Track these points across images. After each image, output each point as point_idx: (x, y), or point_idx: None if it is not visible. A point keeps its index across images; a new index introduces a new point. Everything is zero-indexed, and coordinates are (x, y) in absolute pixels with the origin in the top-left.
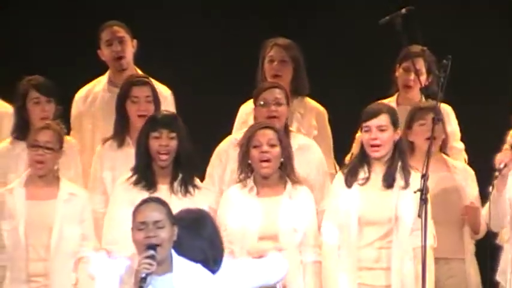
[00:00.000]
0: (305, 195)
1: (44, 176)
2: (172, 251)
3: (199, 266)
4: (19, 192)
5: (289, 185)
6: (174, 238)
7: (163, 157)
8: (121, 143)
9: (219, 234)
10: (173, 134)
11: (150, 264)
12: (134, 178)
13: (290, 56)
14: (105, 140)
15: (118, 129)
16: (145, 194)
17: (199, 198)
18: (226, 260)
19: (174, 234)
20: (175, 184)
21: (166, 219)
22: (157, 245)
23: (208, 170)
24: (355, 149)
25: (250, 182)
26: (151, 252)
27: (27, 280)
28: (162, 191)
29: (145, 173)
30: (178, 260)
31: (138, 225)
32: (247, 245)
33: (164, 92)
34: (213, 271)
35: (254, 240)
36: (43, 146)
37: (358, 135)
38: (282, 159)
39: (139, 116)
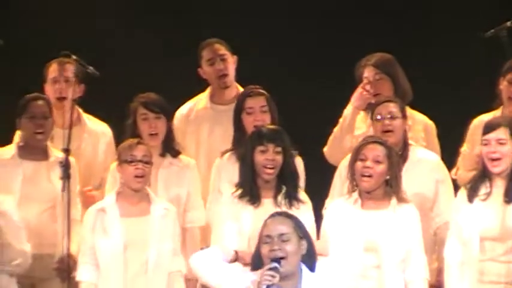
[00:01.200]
0: (410, 213)
1: (139, 192)
2: (304, 267)
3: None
4: (113, 210)
5: (394, 200)
6: (302, 252)
7: (269, 171)
8: (239, 156)
9: (313, 243)
10: (279, 149)
11: (273, 276)
12: (239, 192)
13: (384, 73)
14: (223, 153)
15: (236, 142)
16: (249, 208)
17: (303, 211)
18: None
19: (303, 248)
20: (279, 198)
21: (292, 232)
22: (282, 258)
23: None
24: (460, 163)
25: (355, 194)
26: (274, 264)
27: None
28: (266, 204)
29: (249, 187)
30: (308, 276)
31: (264, 239)
32: (352, 256)
33: None
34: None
35: (359, 252)
36: (141, 160)
37: (463, 149)
38: (387, 177)
39: (255, 126)
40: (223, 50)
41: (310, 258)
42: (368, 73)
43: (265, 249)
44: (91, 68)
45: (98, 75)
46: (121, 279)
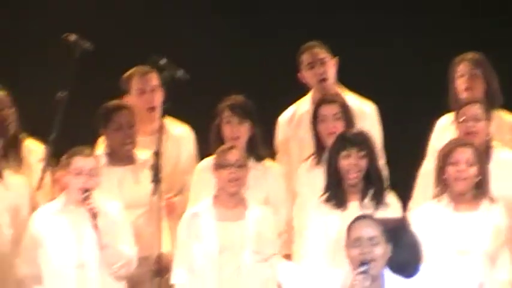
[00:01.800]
0: (501, 213)
1: (235, 196)
2: (386, 270)
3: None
4: (209, 214)
5: (485, 201)
6: (388, 255)
7: (353, 176)
8: (318, 161)
9: (419, 241)
10: (363, 153)
11: (364, 280)
12: (325, 196)
13: (479, 70)
14: (306, 159)
15: (315, 148)
16: (336, 212)
17: (390, 215)
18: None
19: (388, 252)
20: (366, 201)
21: (380, 236)
22: (371, 261)
23: None
24: None
25: (445, 197)
26: (365, 267)
27: None
28: (353, 208)
29: (335, 191)
30: (390, 278)
31: (353, 242)
32: (445, 259)
33: (366, 107)
34: (410, 276)
35: (453, 254)
36: (234, 165)
37: None
38: (478, 178)
39: (329, 133)
40: (323, 53)
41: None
42: (463, 68)
43: (354, 252)
44: (181, 71)
45: (188, 78)
46: (215, 284)
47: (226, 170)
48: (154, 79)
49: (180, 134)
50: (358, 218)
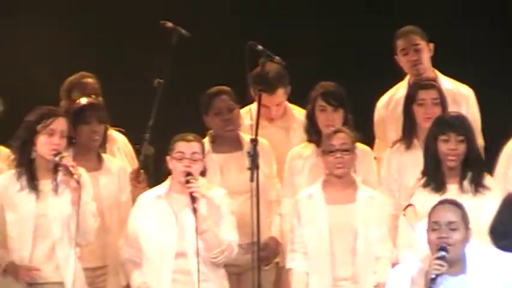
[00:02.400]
0: None
1: (342, 178)
2: (469, 253)
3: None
4: (319, 197)
5: None
6: (468, 241)
7: (452, 159)
8: (408, 146)
9: None
10: (461, 137)
11: (441, 265)
12: (424, 180)
13: None
14: (394, 143)
15: (406, 132)
16: (435, 196)
17: (488, 198)
18: None
19: (469, 237)
20: (465, 183)
21: (460, 221)
22: (449, 246)
23: None
24: None
25: None
26: (443, 253)
27: (334, 285)
28: (452, 191)
29: (434, 175)
30: (472, 262)
31: (432, 225)
32: None
33: (464, 91)
34: None
35: None
36: (340, 149)
37: None
38: None
39: (426, 118)
40: (417, 39)
41: None
42: None
43: (432, 236)
44: (277, 57)
45: (285, 65)
46: (328, 266)
47: (332, 155)
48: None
49: (299, 120)
50: (440, 202)
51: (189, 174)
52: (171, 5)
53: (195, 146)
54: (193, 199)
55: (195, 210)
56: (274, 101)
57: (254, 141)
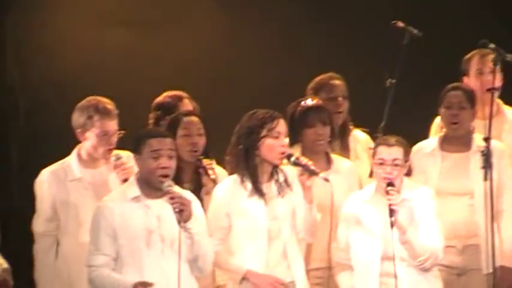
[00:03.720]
0: None
1: None
2: None
3: None
4: None
5: None
6: None
7: None
8: None
9: None
10: None
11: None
12: None
13: None
14: None
15: None
16: None
17: None
18: None
19: None
20: None
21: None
22: None
23: None
24: None
25: None
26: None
27: None
28: None
29: None
30: None
31: None
32: None
33: None
34: None
35: None
36: None
37: None
38: None
39: None
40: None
41: None
42: None
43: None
44: (510, 55)
45: None
46: None
47: None
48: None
49: None
50: None
51: (390, 184)
52: (401, 4)
53: (396, 152)
54: (391, 212)
55: (392, 224)
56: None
57: (487, 140)
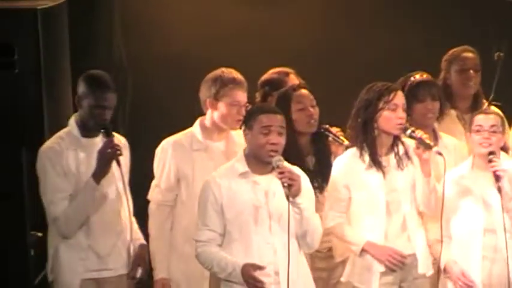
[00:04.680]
0: None
1: None
2: None
3: None
4: None
5: None
6: None
7: None
8: None
9: None
10: None
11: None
12: None
13: None
14: None
15: None
16: None
17: None
18: None
19: None
20: None
21: None
22: None
23: None
24: None
25: None
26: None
27: None
28: None
29: None
30: None
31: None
32: None
33: None
34: None
35: None
36: None
37: None
38: None
39: None
40: None
41: None
42: None
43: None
44: None
45: None
46: None
47: None
48: None
49: None
50: None
51: (491, 152)
52: None
53: (493, 119)
54: (497, 178)
55: (499, 189)
56: None
57: None
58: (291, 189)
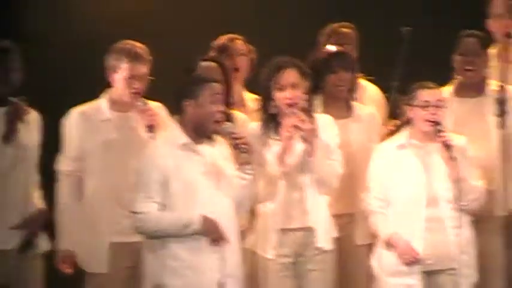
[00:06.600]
0: None
1: None
2: None
3: None
4: None
5: None
6: None
7: None
8: None
9: None
10: None
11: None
12: None
13: None
14: None
15: None
16: None
17: None
18: None
19: None
20: None
21: None
22: None
23: None
24: None
25: None
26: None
27: None
28: None
29: None
30: None
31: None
32: None
33: None
34: None
35: None
36: None
37: None
38: None
39: None
40: None
41: None
42: None
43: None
44: None
45: None
46: None
47: None
48: None
49: None
50: None
51: (437, 123)
52: None
53: (438, 93)
54: (448, 147)
55: (450, 159)
56: None
57: (502, 87)
58: (246, 154)
